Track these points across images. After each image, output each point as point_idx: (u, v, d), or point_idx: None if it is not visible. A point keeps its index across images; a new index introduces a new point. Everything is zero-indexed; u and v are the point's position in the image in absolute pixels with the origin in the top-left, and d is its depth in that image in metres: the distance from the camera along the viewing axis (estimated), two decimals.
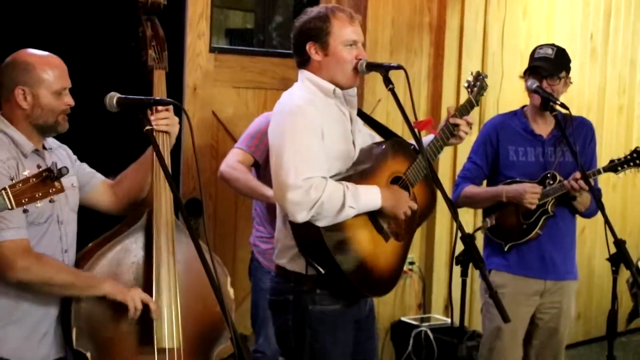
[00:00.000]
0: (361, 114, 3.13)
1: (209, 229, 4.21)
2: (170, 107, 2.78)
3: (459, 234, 2.56)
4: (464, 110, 3.16)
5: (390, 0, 4.70)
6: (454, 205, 2.80)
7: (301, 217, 2.70)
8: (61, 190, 2.09)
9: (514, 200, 3.55)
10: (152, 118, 2.69)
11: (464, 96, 4.83)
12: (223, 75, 4.38)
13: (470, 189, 3.69)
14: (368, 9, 4.60)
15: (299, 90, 2.91)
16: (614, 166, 3.55)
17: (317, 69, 2.89)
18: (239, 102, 4.45)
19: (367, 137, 3.07)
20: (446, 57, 4.86)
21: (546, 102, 3.49)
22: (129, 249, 2.70)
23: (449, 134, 3.08)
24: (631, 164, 3.53)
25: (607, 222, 3.09)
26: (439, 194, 2.78)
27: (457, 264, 2.63)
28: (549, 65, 3.55)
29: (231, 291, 2.88)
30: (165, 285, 2.65)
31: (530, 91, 3.53)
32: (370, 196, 2.81)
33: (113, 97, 2.49)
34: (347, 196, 2.74)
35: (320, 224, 2.73)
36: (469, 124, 3.10)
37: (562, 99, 3.56)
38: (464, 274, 2.63)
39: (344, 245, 2.79)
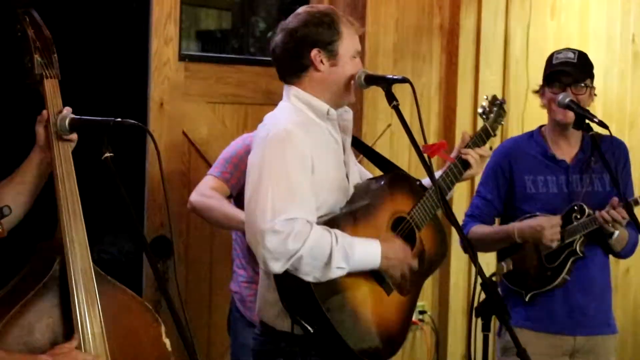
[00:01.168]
0: (356, 142, 3.14)
1: (180, 273, 4.22)
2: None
3: (479, 280, 2.57)
4: (478, 140, 3.18)
5: None
6: (472, 246, 2.81)
7: (276, 267, 2.69)
8: (2, 234, 2.06)
9: (531, 240, 3.54)
10: None
11: None
12: (195, 88, 4.40)
13: (477, 229, 3.66)
14: (367, 9, 4.62)
15: (287, 111, 2.91)
16: None
17: (317, 83, 2.91)
18: (215, 120, 4.47)
19: (357, 174, 3.08)
20: (460, 65, 4.89)
21: (581, 120, 3.47)
22: (41, 310, 2.60)
23: (462, 167, 3.11)
24: None
25: None
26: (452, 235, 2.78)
27: (477, 316, 2.64)
28: (573, 70, 3.55)
29: (167, 342, 2.84)
30: (90, 347, 2.62)
31: (562, 106, 3.52)
32: (367, 253, 2.79)
33: (65, 118, 2.50)
34: (334, 253, 2.70)
35: (304, 278, 2.72)
36: (483, 158, 3.15)
37: (598, 114, 3.57)
38: (485, 328, 2.63)
39: (338, 299, 2.77)
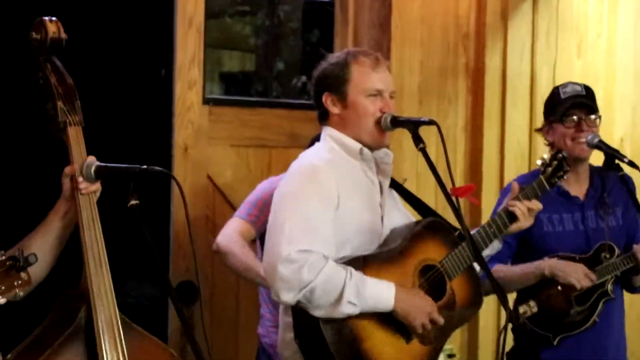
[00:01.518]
0: (395, 186, 3.14)
1: (205, 318, 4.19)
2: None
3: (509, 325, 2.54)
4: (530, 192, 3.15)
5: (418, 39, 4.76)
6: (502, 290, 2.78)
7: (286, 297, 2.70)
8: (29, 282, 2.06)
9: (559, 276, 3.48)
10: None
11: (509, 153, 4.93)
12: (219, 132, 4.43)
13: (499, 268, 3.57)
14: (392, 50, 4.66)
15: (320, 150, 2.97)
16: None
17: (339, 124, 2.96)
18: (239, 164, 4.49)
19: (398, 218, 3.06)
20: (486, 105, 4.90)
21: (611, 160, 3.46)
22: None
23: (507, 219, 3.08)
24: None
25: None
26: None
27: None
28: (586, 102, 3.54)
29: None
30: None
31: (592, 147, 3.50)
32: (379, 293, 2.76)
33: (91, 166, 2.51)
34: (347, 287, 2.69)
35: (314, 313, 2.72)
36: (532, 211, 3.10)
37: (626, 152, 3.55)
38: None
39: (350, 343, 2.74)
